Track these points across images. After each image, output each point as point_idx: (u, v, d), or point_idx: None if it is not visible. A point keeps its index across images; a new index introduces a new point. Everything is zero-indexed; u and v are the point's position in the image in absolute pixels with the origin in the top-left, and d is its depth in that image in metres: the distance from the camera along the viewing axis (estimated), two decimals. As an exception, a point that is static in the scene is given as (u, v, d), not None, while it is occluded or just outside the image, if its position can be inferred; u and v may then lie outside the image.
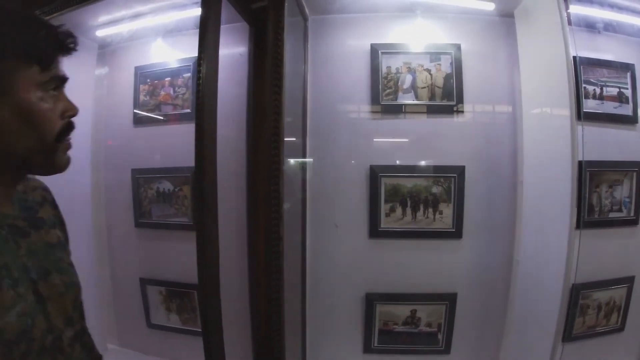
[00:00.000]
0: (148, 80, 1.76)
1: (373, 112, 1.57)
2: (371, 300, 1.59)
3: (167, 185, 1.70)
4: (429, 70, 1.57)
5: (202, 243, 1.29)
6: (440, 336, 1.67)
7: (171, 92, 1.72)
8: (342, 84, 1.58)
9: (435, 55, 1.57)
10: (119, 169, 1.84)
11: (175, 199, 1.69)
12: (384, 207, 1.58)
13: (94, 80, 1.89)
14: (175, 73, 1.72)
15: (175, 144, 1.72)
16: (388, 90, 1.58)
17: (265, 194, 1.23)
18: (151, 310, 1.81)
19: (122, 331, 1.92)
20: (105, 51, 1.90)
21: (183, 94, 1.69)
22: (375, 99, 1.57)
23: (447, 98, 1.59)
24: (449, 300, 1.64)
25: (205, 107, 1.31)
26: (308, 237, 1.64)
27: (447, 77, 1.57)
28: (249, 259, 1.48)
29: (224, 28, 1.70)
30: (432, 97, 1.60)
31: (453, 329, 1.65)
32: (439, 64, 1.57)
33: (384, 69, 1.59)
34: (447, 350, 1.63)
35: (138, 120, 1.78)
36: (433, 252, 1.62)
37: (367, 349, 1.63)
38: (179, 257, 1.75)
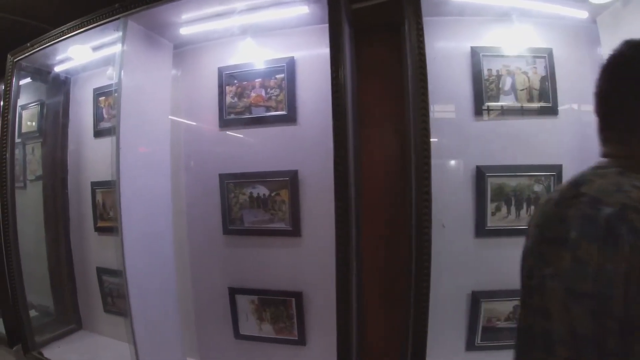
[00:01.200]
0: (235, 81, 1.60)
1: (477, 113, 1.52)
2: (477, 298, 1.54)
3: (262, 190, 1.55)
4: (526, 73, 1.55)
5: (344, 248, 1.18)
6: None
7: (263, 93, 1.57)
8: (443, 86, 1.51)
9: (531, 59, 1.54)
10: (204, 174, 1.66)
11: (271, 204, 1.54)
12: (490, 207, 1.53)
13: (170, 82, 1.68)
14: (266, 74, 1.58)
15: (269, 147, 1.58)
16: (490, 93, 1.54)
17: (418, 196, 1.14)
18: (240, 320, 1.66)
19: (204, 344, 1.75)
20: (182, 51, 1.71)
21: (277, 96, 1.55)
22: (478, 100, 1.52)
23: (543, 99, 1.58)
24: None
25: (343, 111, 1.20)
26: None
27: (543, 80, 1.55)
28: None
29: (310, 29, 1.59)
30: (530, 98, 1.57)
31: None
32: (535, 67, 1.55)
33: (484, 72, 1.53)
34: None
35: (225, 123, 1.63)
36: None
37: (470, 346, 1.57)
38: (274, 264, 1.61)
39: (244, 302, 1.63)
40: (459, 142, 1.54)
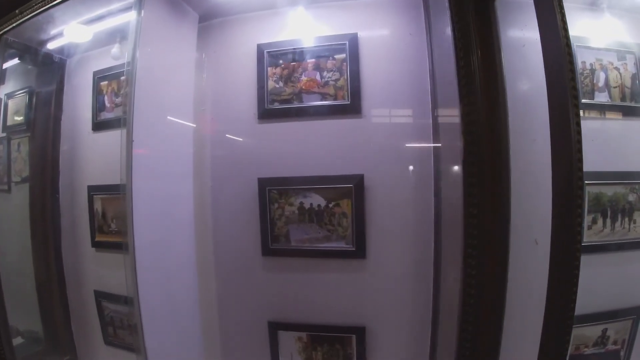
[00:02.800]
0: (281, 61, 1.17)
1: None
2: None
3: (316, 200, 1.13)
4: (617, 69, 1.20)
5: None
6: (622, 353, 1.30)
7: (317, 77, 1.14)
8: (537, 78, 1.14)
9: (621, 54, 1.20)
10: (237, 179, 1.22)
11: (328, 218, 1.12)
12: (586, 219, 1.17)
13: (194, 62, 1.24)
14: (322, 53, 1.15)
15: (324, 146, 1.17)
16: (585, 89, 1.18)
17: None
18: (281, 361, 1.21)
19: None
20: (210, 25, 1.27)
21: (336, 81, 1.13)
22: (579, 94, 1.15)
23: (635, 99, 1.24)
24: (637, 314, 1.27)
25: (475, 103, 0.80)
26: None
27: (633, 78, 1.21)
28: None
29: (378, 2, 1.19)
30: (622, 97, 1.23)
31: (633, 344, 1.30)
32: (625, 63, 1.21)
33: (578, 64, 1.17)
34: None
35: (266, 114, 1.20)
36: (623, 265, 1.24)
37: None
38: (329, 293, 1.19)
39: (289, 339, 1.21)
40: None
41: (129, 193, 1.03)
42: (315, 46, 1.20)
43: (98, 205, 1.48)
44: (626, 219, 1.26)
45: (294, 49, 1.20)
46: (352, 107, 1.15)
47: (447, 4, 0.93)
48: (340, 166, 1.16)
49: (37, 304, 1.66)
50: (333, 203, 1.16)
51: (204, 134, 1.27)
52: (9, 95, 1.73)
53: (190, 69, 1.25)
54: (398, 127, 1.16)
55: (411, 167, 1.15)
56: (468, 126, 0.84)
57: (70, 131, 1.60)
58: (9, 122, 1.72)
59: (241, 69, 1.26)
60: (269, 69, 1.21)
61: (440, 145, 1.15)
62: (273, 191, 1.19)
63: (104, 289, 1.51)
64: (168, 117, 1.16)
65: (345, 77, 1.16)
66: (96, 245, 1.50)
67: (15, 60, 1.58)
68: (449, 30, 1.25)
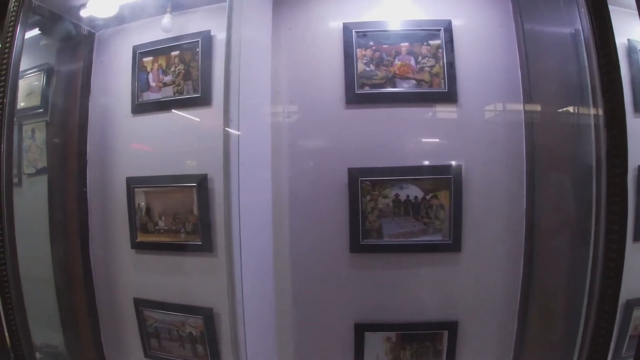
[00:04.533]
0: (371, 43, 1.06)
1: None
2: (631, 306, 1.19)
3: (413, 191, 1.04)
4: None
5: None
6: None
7: (412, 62, 1.05)
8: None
9: None
10: (320, 169, 1.10)
11: (425, 210, 1.03)
12: None
13: (270, 38, 1.09)
14: (416, 38, 1.07)
15: (419, 134, 1.07)
16: None
17: None
18: (366, 364, 1.11)
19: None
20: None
21: (431, 67, 1.05)
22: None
23: None
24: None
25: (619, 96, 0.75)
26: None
27: None
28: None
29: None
30: None
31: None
32: None
33: None
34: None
35: (355, 99, 1.09)
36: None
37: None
38: (422, 289, 1.10)
39: (377, 340, 1.11)
40: None
41: (227, 183, 0.86)
42: (408, 29, 1.10)
43: (141, 200, 1.26)
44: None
45: (385, 31, 1.10)
46: (449, 95, 1.08)
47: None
48: (437, 156, 1.08)
49: (58, 314, 1.39)
50: (431, 194, 1.07)
51: (280, 120, 1.12)
52: (20, 75, 1.43)
53: (266, 47, 1.10)
54: (492, 118, 1.11)
55: (504, 159, 1.10)
56: (612, 121, 0.80)
57: (101, 115, 1.35)
58: (19, 105, 1.42)
59: (323, 49, 1.13)
60: (358, 50, 1.10)
61: (534, 139, 1.12)
62: (366, 182, 1.07)
63: (147, 296, 1.29)
64: (247, 99, 1.00)
65: (441, 64, 1.08)
66: (137, 246, 1.28)
67: (35, 31, 1.31)
68: (541, 26, 1.24)
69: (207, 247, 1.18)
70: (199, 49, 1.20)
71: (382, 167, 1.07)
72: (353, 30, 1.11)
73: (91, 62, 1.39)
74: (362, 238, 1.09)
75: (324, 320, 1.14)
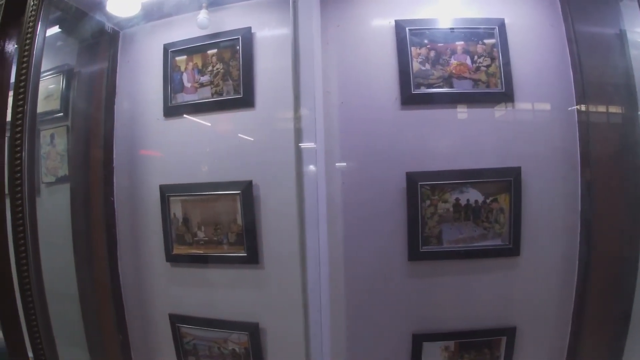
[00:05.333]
0: (426, 41, 1.01)
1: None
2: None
3: (474, 196, 0.99)
4: None
5: None
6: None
7: (468, 61, 1.01)
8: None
9: None
10: (374, 172, 1.04)
11: (485, 215, 0.99)
12: None
13: (319, 35, 1.03)
14: (470, 37, 1.03)
15: (477, 136, 1.03)
16: None
17: None
18: (424, 376, 1.05)
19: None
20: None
21: (487, 67, 1.00)
22: None
23: None
24: None
25: None
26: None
27: None
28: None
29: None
30: None
31: None
32: None
33: None
34: None
35: (410, 99, 1.03)
36: None
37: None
38: (480, 295, 1.06)
39: (435, 350, 1.05)
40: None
41: (301, 194, 0.78)
42: (462, 28, 1.06)
43: (177, 209, 1.16)
44: None
45: (439, 29, 1.05)
46: (506, 95, 1.03)
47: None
48: (495, 159, 1.03)
49: (83, 332, 1.28)
50: (491, 198, 1.02)
51: (331, 122, 1.06)
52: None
53: (317, 46, 1.03)
54: (547, 118, 1.07)
55: (559, 160, 1.07)
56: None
57: (129, 118, 1.25)
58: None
59: (374, 47, 1.07)
60: (412, 48, 1.04)
61: (588, 139, 1.09)
62: (425, 187, 1.02)
63: (185, 312, 1.20)
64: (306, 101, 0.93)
65: (497, 63, 1.04)
66: (174, 259, 1.19)
67: (55, 29, 1.20)
68: (589, 26, 1.21)
69: (252, 258, 1.11)
70: (239, 47, 1.13)
71: (441, 170, 1.02)
72: (407, 28, 1.05)
73: (116, 63, 1.29)
74: (422, 245, 1.03)
75: (380, 331, 1.08)
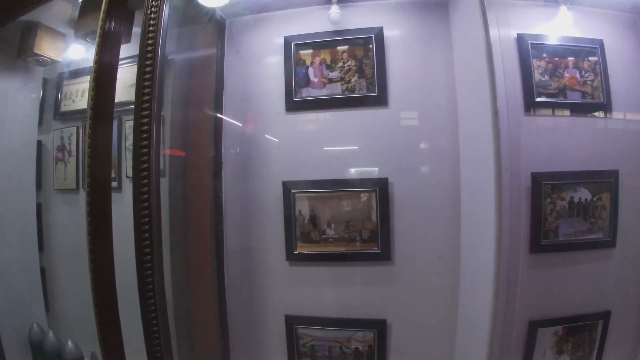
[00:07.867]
0: (544, 54, 1.10)
1: None
2: None
3: (584, 194, 1.10)
4: None
5: None
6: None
7: (577, 75, 1.12)
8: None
9: None
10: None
11: (592, 211, 1.10)
12: None
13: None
14: (578, 53, 1.14)
15: (585, 141, 1.14)
16: None
17: None
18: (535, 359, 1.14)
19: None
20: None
21: (592, 81, 1.13)
22: None
23: None
24: None
25: None
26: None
27: None
28: None
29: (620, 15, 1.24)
30: None
31: None
32: None
33: None
34: None
35: (533, 106, 1.11)
36: None
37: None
38: (583, 283, 1.17)
39: (547, 336, 1.13)
40: None
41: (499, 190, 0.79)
42: (571, 45, 1.16)
43: (304, 207, 1.09)
44: None
45: (557, 45, 1.14)
46: (607, 106, 1.16)
47: None
48: (598, 161, 1.15)
49: (175, 335, 1.13)
50: (597, 197, 1.14)
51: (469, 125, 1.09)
52: (121, 63, 1.11)
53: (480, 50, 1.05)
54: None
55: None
56: None
57: (240, 112, 1.15)
58: (121, 97, 1.12)
59: (497, 57, 1.12)
60: (534, 60, 1.12)
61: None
62: (547, 186, 1.10)
63: (303, 313, 1.13)
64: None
65: (600, 79, 1.16)
66: (296, 257, 1.11)
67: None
68: None
69: (385, 255, 1.09)
70: (372, 45, 1.11)
71: (560, 171, 1.12)
72: (529, 42, 1.13)
73: (223, 52, 1.18)
74: (543, 238, 1.11)
75: (499, 320, 1.13)
